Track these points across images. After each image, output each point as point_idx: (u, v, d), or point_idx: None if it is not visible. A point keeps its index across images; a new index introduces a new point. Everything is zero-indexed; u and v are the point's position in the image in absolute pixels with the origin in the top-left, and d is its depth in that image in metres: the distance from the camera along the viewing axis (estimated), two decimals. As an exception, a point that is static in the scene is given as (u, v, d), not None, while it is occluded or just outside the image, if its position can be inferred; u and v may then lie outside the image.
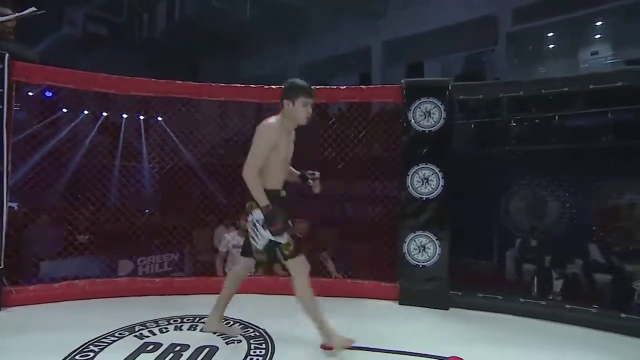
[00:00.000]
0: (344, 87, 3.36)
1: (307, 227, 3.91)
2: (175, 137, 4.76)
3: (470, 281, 3.50)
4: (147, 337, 2.40)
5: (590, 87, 2.96)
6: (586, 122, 6.07)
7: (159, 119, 5.16)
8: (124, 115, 5.56)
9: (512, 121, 6.84)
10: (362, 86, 3.41)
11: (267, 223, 2.16)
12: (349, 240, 3.74)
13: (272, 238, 2.19)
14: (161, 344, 2.29)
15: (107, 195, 3.77)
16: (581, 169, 5.15)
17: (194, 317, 2.76)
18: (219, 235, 4.50)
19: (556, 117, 6.17)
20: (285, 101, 2.24)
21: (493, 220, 5.76)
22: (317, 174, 2.47)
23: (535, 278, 4.08)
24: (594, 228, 4.74)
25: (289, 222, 2.24)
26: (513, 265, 5.34)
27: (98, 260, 3.60)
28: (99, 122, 5.06)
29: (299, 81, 2.28)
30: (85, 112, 5.02)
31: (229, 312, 2.82)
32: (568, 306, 2.99)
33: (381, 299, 3.25)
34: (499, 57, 9.26)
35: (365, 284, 3.36)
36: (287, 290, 3.30)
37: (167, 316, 2.71)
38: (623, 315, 2.74)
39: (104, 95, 3.36)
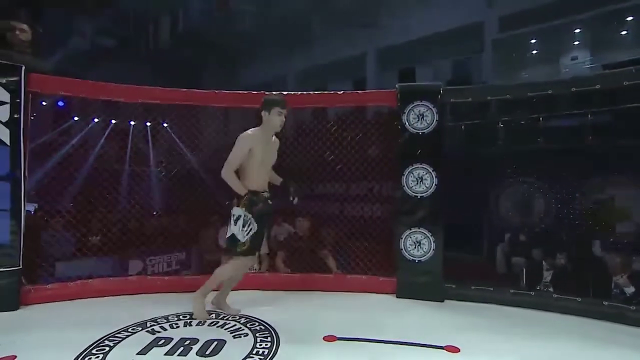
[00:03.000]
0: (342, 92, 3.36)
1: (309, 225, 3.90)
2: (181, 143, 4.74)
3: (463, 274, 3.50)
4: (159, 332, 2.39)
5: (572, 89, 2.98)
6: (568, 123, 6.10)
7: (165, 125, 5.15)
8: (132, 123, 5.53)
9: (500, 123, 6.84)
10: (358, 91, 3.42)
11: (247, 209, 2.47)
12: (348, 238, 3.73)
13: (235, 232, 2.50)
14: (172, 339, 2.29)
15: (118, 198, 3.76)
16: (566, 167, 5.17)
17: (209, 312, 2.75)
18: (224, 235, 4.48)
19: (540, 119, 6.17)
20: (263, 112, 2.55)
21: (485, 216, 5.78)
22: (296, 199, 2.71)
23: (524, 270, 4.09)
24: (578, 222, 4.77)
25: (254, 224, 2.49)
26: (503, 258, 5.36)
27: (110, 260, 3.59)
28: (109, 129, 5.03)
29: (274, 95, 2.62)
30: (96, 120, 5.00)
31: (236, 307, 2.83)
32: (555, 296, 3.02)
33: (379, 293, 3.25)
34: (486, 62, 9.34)
35: (364, 278, 3.36)
36: (289, 285, 3.32)
37: (177, 312, 2.70)
38: (605, 303, 2.79)
39: (111, 105, 3.36)
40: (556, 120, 5.85)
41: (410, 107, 3.22)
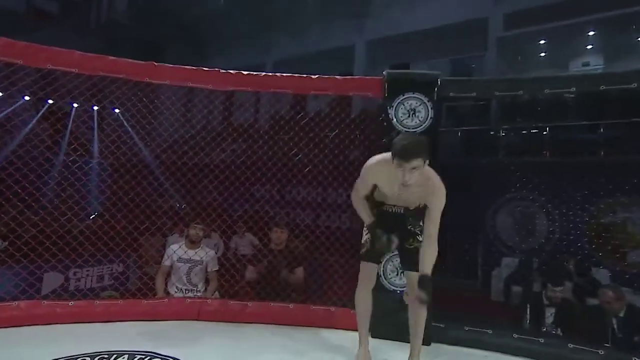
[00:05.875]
0: (316, 76, 2.78)
1: (287, 238, 3.26)
2: (133, 131, 4.11)
3: (453, 304, 2.96)
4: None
5: (602, 87, 2.49)
6: (581, 135, 5.70)
7: (116, 110, 4.50)
8: (75, 105, 4.85)
9: (501, 131, 6.44)
10: (336, 76, 2.84)
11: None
12: (319, 254, 3.15)
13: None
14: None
15: (38, 193, 3.03)
16: (575, 184, 4.73)
17: (110, 354, 2.11)
18: (170, 244, 3.84)
19: (547, 129, 5.78)
20: None
21: (480, 237, 5.28)
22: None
23: (528, 305, 3.54)
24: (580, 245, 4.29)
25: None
26: (499, 286, 4.85)
27: (15, 272, 2.85)
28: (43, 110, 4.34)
29: (400, 140, 1.91)
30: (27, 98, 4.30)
31: (130, 344, 2.21)
32: (571, 345, 2.49)
33: (352, 330, 2.66)
34: (488, 63, 8.82)
35: (332, 310, 2.78)
36: (204, 316, 2.68)
37: (67, 355, 2.05)
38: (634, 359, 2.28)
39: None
40: (568, 132, 5.39)
41: (400, 99, 2.66)
